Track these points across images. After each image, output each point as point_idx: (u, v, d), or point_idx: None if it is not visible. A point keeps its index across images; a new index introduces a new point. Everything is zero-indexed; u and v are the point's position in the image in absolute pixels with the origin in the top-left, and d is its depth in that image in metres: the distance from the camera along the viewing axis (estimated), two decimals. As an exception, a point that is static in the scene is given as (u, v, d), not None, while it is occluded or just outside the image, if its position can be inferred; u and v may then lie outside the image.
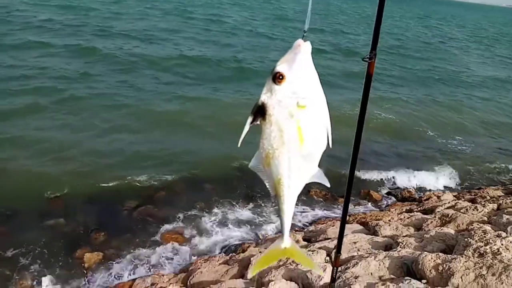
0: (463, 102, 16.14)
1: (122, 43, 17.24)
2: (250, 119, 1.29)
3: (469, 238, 3.80)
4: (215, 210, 7.10)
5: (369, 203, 8.03)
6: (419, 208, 6.78)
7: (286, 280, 3.80)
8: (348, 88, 14.63)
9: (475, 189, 8.59)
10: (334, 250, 2.13)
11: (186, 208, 7.05)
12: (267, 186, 1.41)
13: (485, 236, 3.75)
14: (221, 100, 12.04)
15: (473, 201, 6.73)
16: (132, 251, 6.04)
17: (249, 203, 7.38)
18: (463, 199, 7.08)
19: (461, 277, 3.16)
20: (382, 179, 9.08)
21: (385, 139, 11.09)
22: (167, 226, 6.61)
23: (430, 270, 3.39)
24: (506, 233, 3.89)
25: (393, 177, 9.23)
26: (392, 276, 3.63)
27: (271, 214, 7.23)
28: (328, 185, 1.39)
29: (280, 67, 1.24)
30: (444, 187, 9.11)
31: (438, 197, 7.69)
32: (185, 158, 8.67)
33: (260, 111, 1.28)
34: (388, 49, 24.44)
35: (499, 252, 3.44)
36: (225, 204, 7.26)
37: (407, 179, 9.23)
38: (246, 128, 1.29)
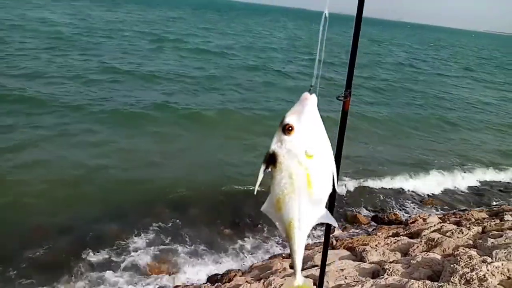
0: (445, 127, 16.39)
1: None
2: (263, 167, 1.37)
3: (455, 264, 3.79)
4: (200, 238, 6.99)
5: (356, 227, 8.00)
6: (405, 232, 6.76)
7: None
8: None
9: (460, 211, 8.65)
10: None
11: (170, 237, 6.93)
12: (279, 228, 1.47)
13: (471, 262, 3.74)
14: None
15: (458, 223, 6.76)
16: (116, 282, 5.88)
17: (235, 230, 7.29)
18: (448, 222, 7.10)
19: (449, 306, 3.13)
20: (368, 202, 9.12)
21: (369, 163, 11.19)
22: (151, 256, 6.47)
23: (417, 299, 3.35)
24: (492, 258, 3.89)
25: (379, 200, 9.28)
26: (380, 306, 3.57)
27: (257, 241, 7.14)
28: (336, 225, 1.52)
29: (289, 119, 1.34)
30: (430, 208, 9.17)
31: (424, 219, 7.70)
32: (169, 186, 8.57)
33: (271, 160, 1.37)
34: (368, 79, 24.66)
35: (485, 278, 3.42)
36: (210, 231, 7.16)
37: (393, 202, 9.29)
38: (260, 175, 1.37)
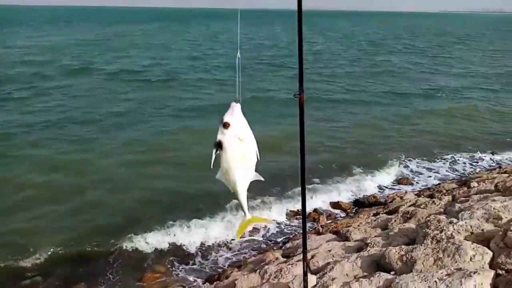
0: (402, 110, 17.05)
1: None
2: (214, 151, 2.21)
3: (426, 229, 4.24)
4: (192, 240, 7.29)
5: (340, 213, 8.46)
6: (384, 210, 7.25)
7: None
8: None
9: (434, 186, 9.22)
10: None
11: (163, 243, 7.19)
12: (229, 188, 2.37)
13: (439, 225, 4.20)
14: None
15: (431, 196, 7.29)
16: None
17: (225, 229, 7.59)
18: (423, 196, 7.63)
19: (423, 263, 3.56)
20: (349, 189, 9.59)
21: (342, 153, 11.77)
22: (146, 266, 6.69)
23: (396, 262, 3.78)
24: (457, 219, 4.37)
25: (358, 187, 9.75)
26: (365, 273, 3.98)
27: (248, 239, 7.46)
28: (262, 179, 2.37)
29: (227, 119, 2.17)
30: (407, 187, 9.72)
31: (401, 197, 8.23)
32: (155, 193, 8.88)
33: (218, 145, 2.19)
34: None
35: (452, 236, 3.88)
36: (201, 232, 7.46)
37: (371, 186, 9.79)
38: (213, 156, 2.23)
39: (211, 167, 2.21)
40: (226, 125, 2.12)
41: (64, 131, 12.86)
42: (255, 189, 8.32)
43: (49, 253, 6.82)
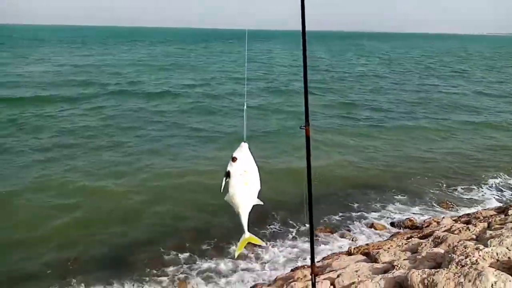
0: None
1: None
2: (224, 178, 2.75)
3: (452, 254, 4.26)
4: (223, 256, 7.53)
5: (374, 235, 8.43)
6: (418, 235, 7.18)
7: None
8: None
9: (473, 212, 8.97)
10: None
11: (195, 264, 7.41)
12: (234, 208, 2.84)
13: (465, 250, 4.22)
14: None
15: (468, 222, 7.15)
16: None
17: (255, 248, 7.74)
18: (459, 222, 7.48)
19: (443, 287, 3.61)
20: (385, 211, 9.55)
21: (380, 176, 11.72)
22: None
23: (418, 285, 3.84)
24: (485, 246, 4.35)
25: (395, 209, 9.69)
26: (388, 295, 4.06)
27: (279, 256, 7.61)
28: (261, 203, 2.84)
29: (235, 155, 2.73)
30: (446, 211, 9.53)
31: (438, 222, 8.09)
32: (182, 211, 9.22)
33: (227, 174, 2.72)
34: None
35: (477, 262, 3.89)
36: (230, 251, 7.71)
37: (408, 209, 9.69)
38: (223, 183, 2.75)
39: (221, 191, 2.67)
40: (234, 159, 2.67)
41: (100, 154, 13.07)
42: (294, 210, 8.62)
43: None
